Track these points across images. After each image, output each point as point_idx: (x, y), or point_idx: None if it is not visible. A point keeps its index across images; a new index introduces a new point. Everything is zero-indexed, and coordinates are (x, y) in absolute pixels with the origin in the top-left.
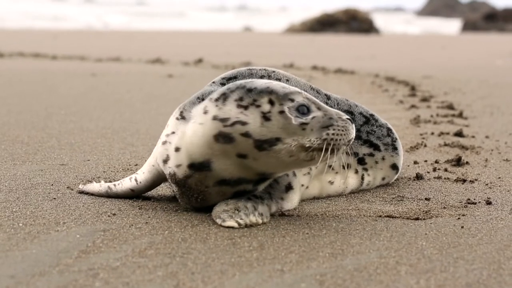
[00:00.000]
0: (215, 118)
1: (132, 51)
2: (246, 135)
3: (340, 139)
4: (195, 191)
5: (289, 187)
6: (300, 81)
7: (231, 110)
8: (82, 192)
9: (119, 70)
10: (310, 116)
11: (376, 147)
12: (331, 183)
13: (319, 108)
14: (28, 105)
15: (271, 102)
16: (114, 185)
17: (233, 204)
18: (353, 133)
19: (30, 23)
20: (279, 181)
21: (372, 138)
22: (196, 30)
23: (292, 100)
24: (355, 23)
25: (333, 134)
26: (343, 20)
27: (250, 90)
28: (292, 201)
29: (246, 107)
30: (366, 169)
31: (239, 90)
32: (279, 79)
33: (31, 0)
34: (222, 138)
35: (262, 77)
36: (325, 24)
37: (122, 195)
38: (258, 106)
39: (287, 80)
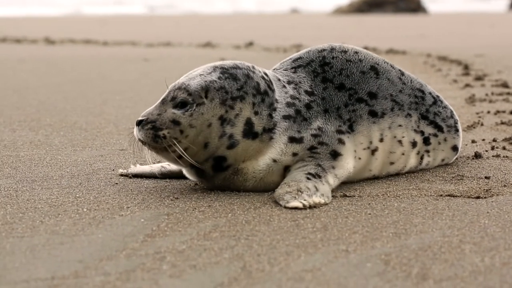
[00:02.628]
0: None
1: (182, 36)
2: None
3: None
4: None
5: (335, 154)
6: (373, 55)
7: None
8: (135, 176)
9: (171, 54)
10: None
11: (440, 128)
12: (392, 163)
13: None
14: (82, 91)
15: None
16: (169, 164)
17: (295, 185)
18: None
19: (76, 8)
20: (320, 151)
21: (437, 119)
22: (244, 12)
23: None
24: (403, 2)
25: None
26: (390, 0)
27: None
28: (344, 167)
29: None
30: (428, 151)
31: None
32: (345, 52)
33: None
34: None
35: (322, 51)
36: (372, 4)
37: (177, 174)
38: None
39: (356, 53)
